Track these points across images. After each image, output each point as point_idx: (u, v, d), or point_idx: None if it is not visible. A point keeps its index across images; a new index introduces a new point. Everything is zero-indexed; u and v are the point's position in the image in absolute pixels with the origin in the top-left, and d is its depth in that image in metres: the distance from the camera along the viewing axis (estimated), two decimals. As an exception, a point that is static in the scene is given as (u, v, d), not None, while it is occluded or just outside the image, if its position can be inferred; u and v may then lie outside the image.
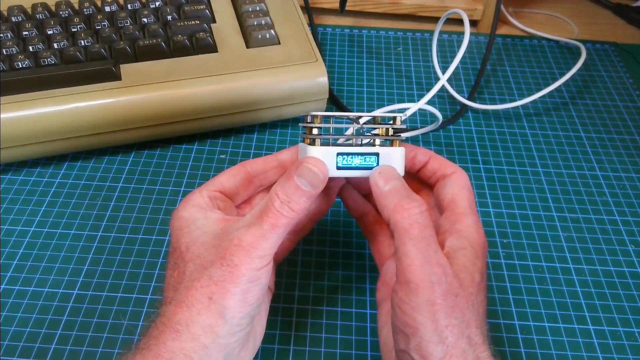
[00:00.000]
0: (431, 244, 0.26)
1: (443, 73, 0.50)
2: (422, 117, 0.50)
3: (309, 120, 0.29)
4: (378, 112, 0.30)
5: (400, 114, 0.30)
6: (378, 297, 0.32)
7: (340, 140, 0.30)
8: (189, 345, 0.25)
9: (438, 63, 0.48)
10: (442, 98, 0.52)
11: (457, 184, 0.30)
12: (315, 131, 0.29)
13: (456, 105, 0.51)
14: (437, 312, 0.25)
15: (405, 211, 0.26)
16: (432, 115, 0.50)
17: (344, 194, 0.34)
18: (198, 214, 0.28)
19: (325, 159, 0.28)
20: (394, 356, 0.28)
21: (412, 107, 0.39)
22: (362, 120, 0.30)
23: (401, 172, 0.29)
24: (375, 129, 0.30)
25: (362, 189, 0.33)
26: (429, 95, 0.41)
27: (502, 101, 0.51)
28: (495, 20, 0.53)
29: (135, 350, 0.26)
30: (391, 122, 0.30)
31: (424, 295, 0.25)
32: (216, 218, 0.28)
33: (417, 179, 0.33)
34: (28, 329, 0.34)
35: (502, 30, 0.62)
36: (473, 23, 0.61)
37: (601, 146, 0.48)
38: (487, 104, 0.51)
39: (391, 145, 0.30)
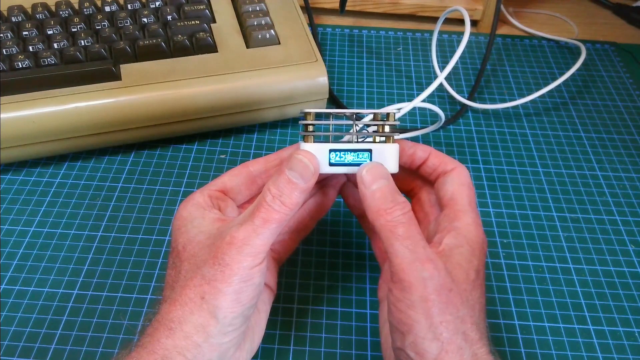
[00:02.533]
0: (418, 241, 0.26)
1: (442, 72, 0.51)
2: (422, 117, 0.50)
3: (302, 118, 0.29)
4: (373, 110, 0.30)
5: (394, 111, 0.30)
6: (380, 295, 0.32)
7: (344, 138, 0.30)
8: (182, 343, 0.25)
9: (437, 62, 0.48)
10: (442, 98, 0.52)
11: (457, 181, 0.30)
12: (309, 128, 0.29)
13: (456, 105, 0.51)
14: (430, 308, 0.24)
15: (389, 214, 0.26)
16: (433, 115, 0.50)
17: (345, 192, 0.33)
18: (196, 213, 0.29)
19: (317, 155, 0.28)
20: (391, 355, 0.28)
21: (409, 105, 0.39)
22: (356, 117, 0.30)
23: (394, 169, 0.29)
24: (369, 125, 0.30)
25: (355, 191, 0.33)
26: (426, 93, 0.41)
27: (502, 101, 0.51)
28: (495, 20, 0.53)
29: (132, 348, 0.26)
30: (385, 118, 0.30)
31: (417, 292, 0.25)
32: (213, 218, 0.28)
33: (418, 176, 0.33)
34: (28, 329, 0.34)
35: (502, 30, 0.62)
36: (473, 23, 0.61)
37: (601, 146, 0.48)
38: (487, 103, 0.51)
39: (385, 142, 0.29)
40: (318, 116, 0.29)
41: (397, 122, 0.30)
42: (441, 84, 0.50)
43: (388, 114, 0.30)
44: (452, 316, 0.25)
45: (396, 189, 0.27)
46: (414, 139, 0.48)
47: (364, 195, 0.27)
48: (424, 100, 0.39)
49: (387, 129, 0.29)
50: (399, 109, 0.39)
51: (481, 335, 0.26)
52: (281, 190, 0.27)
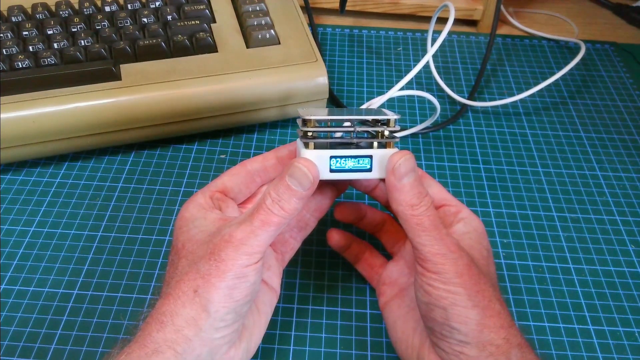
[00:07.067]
0: (441, 229, 0.28)
1: (439, 74, 0.51)
2: (422, 117, 0.50)
3: (302, 124, 0.29)
4: (374, 116, 0.30)
5: (395, 116, 0.30)
6: (383, 301, 0.33)
7: (337, 135, 0.30)
8: (172, 337, 0.25)
9: (432, 60, 0.49)
10: (442, 98, 0.52)
11: (431, 189, 0.32)
12: (309, 134, 0.29)
13: (456, 106, 0.51)
14: (466, 281, 0.27)
15: (415, 210, 0.28)
16: (432, 111, 0.50)
17: (330, 233, 0.36)
18: (198, 213, 0.29)
19: (318, 162, 0.28)
20: (415, 344, 0.29)
21: (394, 88, 0.40)
22: (356, 124, 0.30)
23: None
24: (369, 131, 0.30)
25: (360, 187, 0.33)
26: (412, 73, 0.42)
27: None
28: (495, 20, 0.53)
29: (125, 344, 0.26)
30: (385, 123, 0.30)
31: (450, 270, 0.27)
32: (214, 218, 0.29)
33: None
34: (28, 329, 0.34)
35: (502, 30, 0.62)
36: (473, 23, 0.61)
37: (601, 146, 0.48)
38: (487, 103, 0.51)
39: (385, 147, 0.29)
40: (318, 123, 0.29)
41: (398, 127, 0.30)
42: (441, 87, 0.51)
43: (388, 119, 0.30)
44: (486, 285, 0.27)
45: (421, 181, 0.29)
46: (414, 136, 0.48)
47: (393, 187, 0.28)
48: (414, 89, 0.39)
49: (386, 134, 0.30)
50: (371, 106, 0.40)
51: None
52: (280, 195, 0.27)
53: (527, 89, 0.50)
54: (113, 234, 0.39)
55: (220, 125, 0.45)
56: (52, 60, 0.42)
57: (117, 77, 0.42)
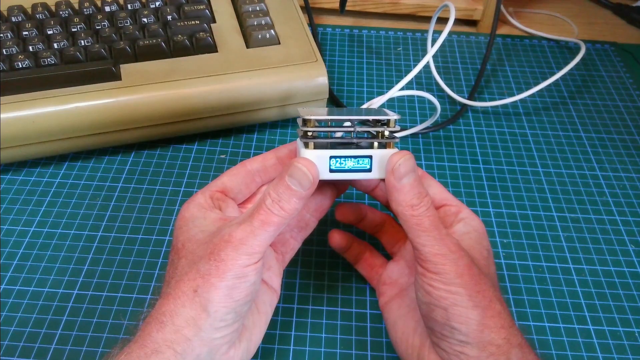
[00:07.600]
0: (442, 229, 0.28)
1: (439, 74, 0.51)
2: (422, 117, 0.50)
3: (302, 124, 0.29)
4: (374, 116, 0.30)
5: (395, 116, 0.30)
6: (383, 301, 0.33)
7: (337, 135, 0.30)
8: (172, 337, 0.25)
9: (432, 60, 0.49)
10: (442, 98, 0.52)
11: (431, 189, 0.32)
12: (309, 134, 0.29)
13: (456, 106, 0.51)
14: (467, 281, 0.27)
15: (415, 210, 0.28)
16: (432, 111, 0.50)
17: (331, 233, 0.36)
18: (198, 213, 0.29)
19: (318, 162, 0.28)
20: (415, 344, 0.29)
21: (394, 88, 0.40)
22: (356, 124, 0.30)
23: None
24: (369, 131, 0.30)
25: (360, 187, 0.33)
26: (412, 73, 0.42)
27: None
28: (495, 20, 0.53)
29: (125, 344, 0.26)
30: (386, 124, 0.30)
31: (451, 271, 0.27)
32: (214, 218, 0.29)
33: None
34: (28, 329, 0.34)
35: (502, 30, 0.62)
36: (473, 23, 0.61)
37: (601, 146, 0.48)
38: (487, 103, 0.51)
39: (385, 147, 0.29)
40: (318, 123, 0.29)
41: (398, 127, 0.30)
42: (441, 87, 0.51)
43: (389, 119, 0.30)
44: (487, 285, 0.27)
45: (421, 181, 0.29)
46: (414, 136, 0.48)
47: (392, 188, 0.28)
48: (414, 89, 0.39)
49: (387, 134, 0.29)
50: (370, 105, 0.40)
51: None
52: (280, 195, 0.27)
53: (527, 89, 0.50)
54: (113, 234, 0.39)
55: (220, 125, 0.45)
56: (52, 60, 0.42)
57: (117, 77, 0.42)
